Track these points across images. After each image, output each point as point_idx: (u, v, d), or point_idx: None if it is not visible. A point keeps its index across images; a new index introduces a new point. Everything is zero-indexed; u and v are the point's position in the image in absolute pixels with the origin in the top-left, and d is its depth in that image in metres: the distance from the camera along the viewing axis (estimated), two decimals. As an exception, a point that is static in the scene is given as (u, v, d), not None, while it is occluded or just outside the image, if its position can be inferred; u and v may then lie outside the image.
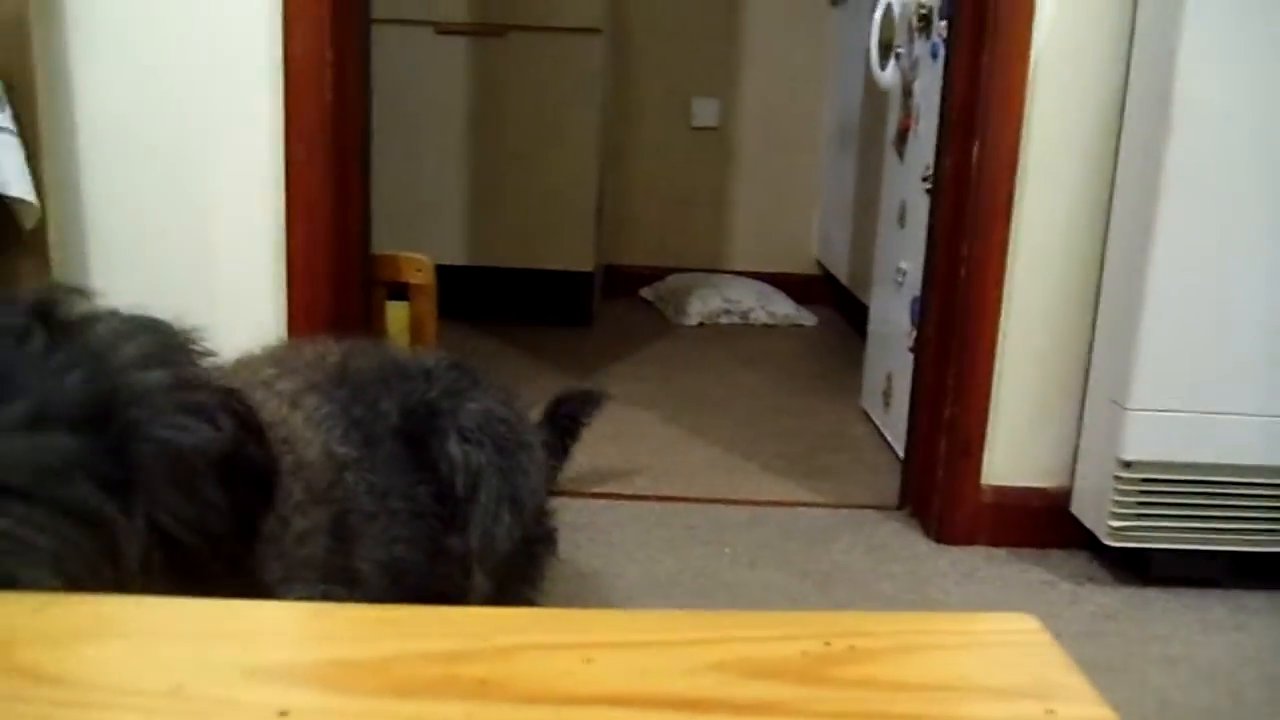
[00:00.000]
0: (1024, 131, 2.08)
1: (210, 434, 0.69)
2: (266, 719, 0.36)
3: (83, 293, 0.74)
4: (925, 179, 2.43)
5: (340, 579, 1.00)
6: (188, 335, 0.77)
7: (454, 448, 1.24)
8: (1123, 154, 2.05)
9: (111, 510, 0.62)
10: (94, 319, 0.71)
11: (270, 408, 1.06)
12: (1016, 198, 2.10)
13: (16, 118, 1.82)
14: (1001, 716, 0.37)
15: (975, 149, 2.11)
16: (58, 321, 0.68)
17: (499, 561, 1.27)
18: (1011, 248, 2.12)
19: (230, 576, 0.72)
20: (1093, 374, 2.12)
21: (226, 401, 0.73)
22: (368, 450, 1.13)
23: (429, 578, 1.19)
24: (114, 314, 0.73)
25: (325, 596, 0.95)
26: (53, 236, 1.96)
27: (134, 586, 0.62)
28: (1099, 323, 2.10)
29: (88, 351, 0.67)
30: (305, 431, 1.06)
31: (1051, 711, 0.37)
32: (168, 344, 0.73)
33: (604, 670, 0.40)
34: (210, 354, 0.78)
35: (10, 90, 1.82)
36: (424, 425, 1.23)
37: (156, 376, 0.69)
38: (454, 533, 1.23)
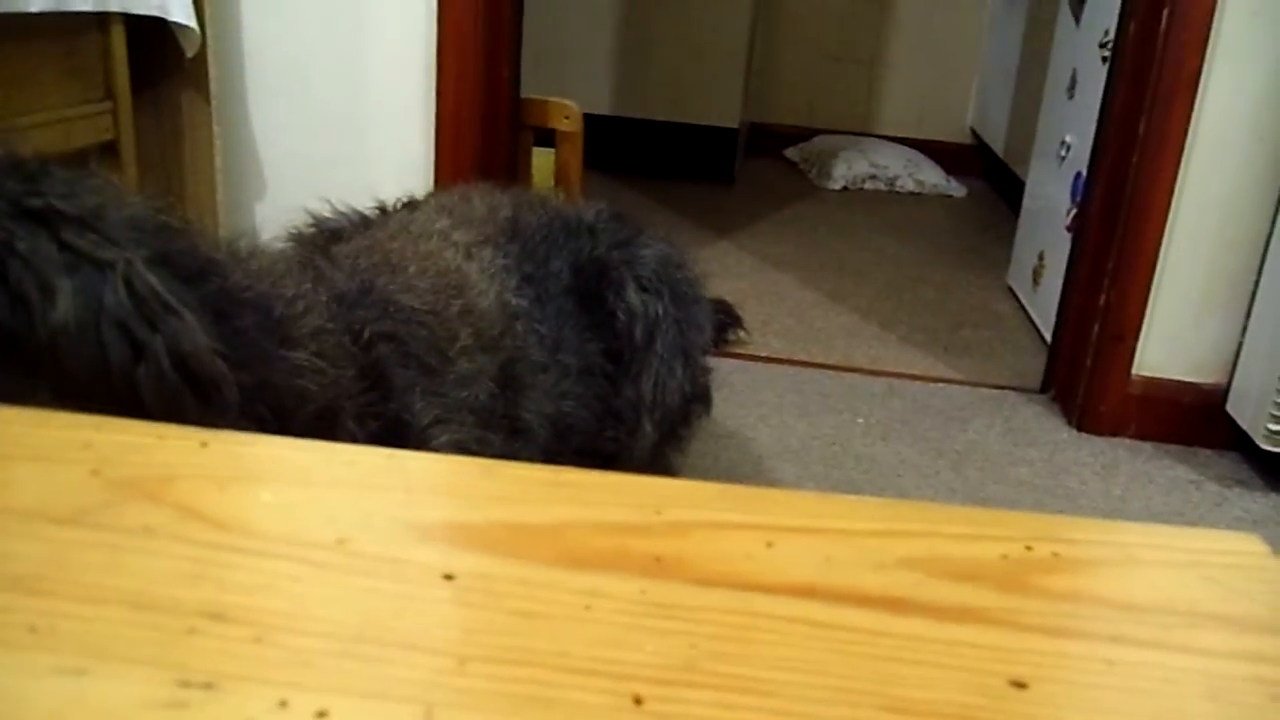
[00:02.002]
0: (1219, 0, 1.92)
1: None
2: (432, 581, 0.34)
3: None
4: (1103, 45, 2.28)
5: (500, 427, 1.00)
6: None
7: (633, 296, 1.22)
8: (1331, 29, 1.88)
9: None
10: None
11: (446, 257, 1.05)
12: (1204, 73, 1.95)
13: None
14: (1235, 651, 0.33)
15: (1164, 15, 1.96)
16: None
17: (666, 413, 1.26)
18: (1192, 126, 1.98)
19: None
20: (1267, 266, 1.99)
21: None
22: (540, 305, 1.12)
23: (595, 439, 1.19)
24: None
25: (481, 443, 0.95)
26: (213, 69, 1.97)
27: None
28: (1281, 213, 1.96)
29: None
30: (480, 282, 1.05)
31: (1291, 649, 0.33)
32: None
33: (786, 556, 0.37)
34: None
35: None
36: (595, 282, 1.22)
37: None
38: (623, 391, 1.22)
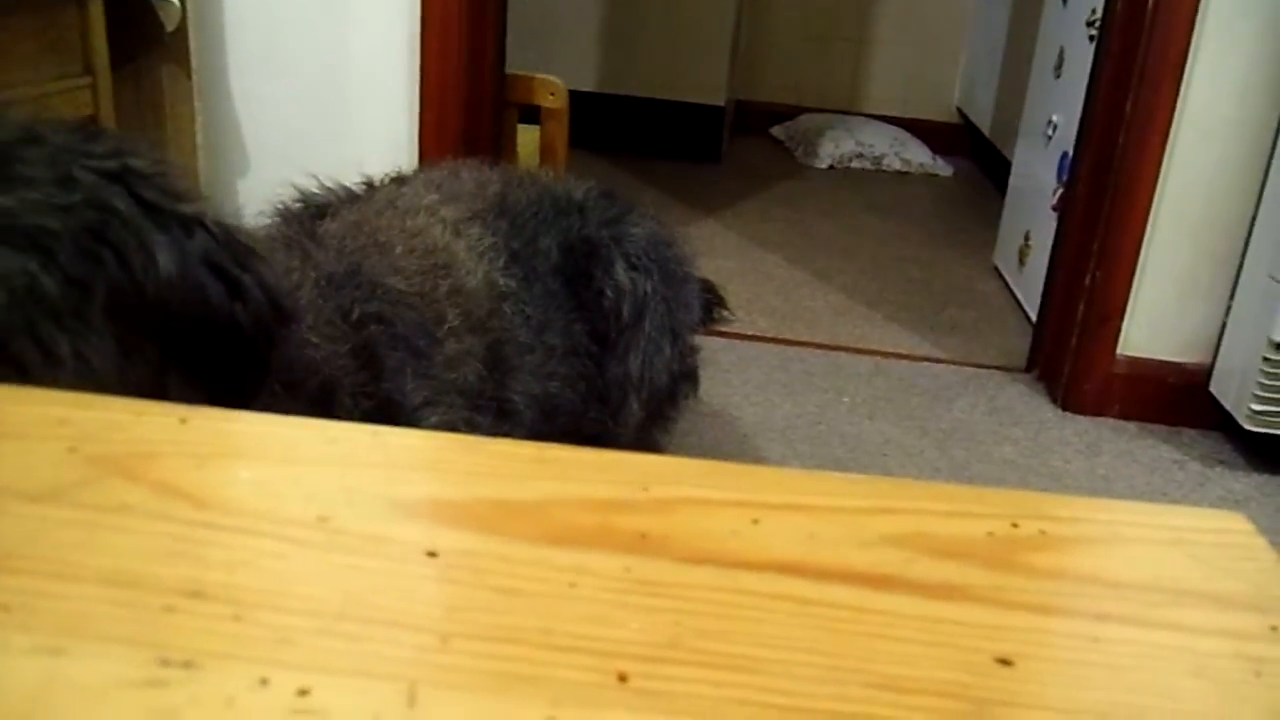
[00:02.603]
0: (1206, -20, 1.92)
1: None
2: (415, 558, 0.34)
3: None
4: (1091, 24, 2.28)
5: (488, 408, 1.00)
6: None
7: (621, 274, 1.22)
8: (1318, 9, 1.88)
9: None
10: None
11: (434, 234, 1.05)
12: (1190, 53, 1.95)
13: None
14: (1219, 628, 0.33)
15: (1151, -5, 1.95)
16: None
17: (653, 392, 1.26)
18: (1179, 107, 1.98)
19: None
20: (1251, 248, 2.00)
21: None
22: (527, 284, 1.11)
23: (580, 419, 1.19)
24: None
25: (469, 424, 0.95)
26: (193, 43, 1.95)
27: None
28: (1266, 194, 1.97)
29: None
30: (468, 260, 1.05)
31: (1276, 628, 0.33)
32: None
33: (772, 533, 0.37)
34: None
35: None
36: (584, 261, 1.22)
37: None
38: (609, 370, 1.22)
